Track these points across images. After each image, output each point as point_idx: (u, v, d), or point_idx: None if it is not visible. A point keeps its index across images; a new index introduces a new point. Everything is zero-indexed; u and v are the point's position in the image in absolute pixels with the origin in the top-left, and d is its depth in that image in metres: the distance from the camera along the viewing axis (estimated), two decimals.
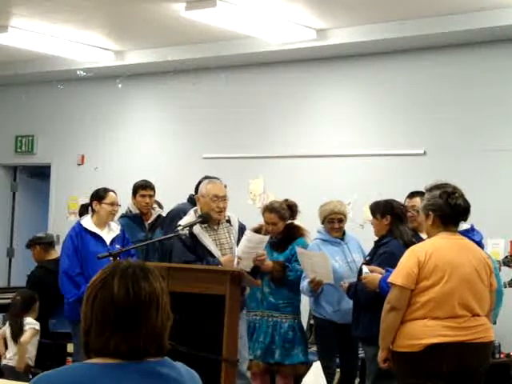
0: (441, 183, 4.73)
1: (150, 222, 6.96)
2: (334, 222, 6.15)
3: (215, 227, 5.63)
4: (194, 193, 6.24)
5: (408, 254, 4.39)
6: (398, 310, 4.28)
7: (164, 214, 6.92)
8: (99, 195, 6.33)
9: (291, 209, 6.39)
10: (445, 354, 4.22)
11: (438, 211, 4.35)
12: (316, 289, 5.97)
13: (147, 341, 2.00)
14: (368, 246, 5.90)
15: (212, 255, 5.55)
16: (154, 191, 7.04)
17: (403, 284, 4.26)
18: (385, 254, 5.45)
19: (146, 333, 2.00)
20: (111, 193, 6.36)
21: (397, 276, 4.33)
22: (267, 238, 5.82)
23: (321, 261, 5.88)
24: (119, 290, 1.99)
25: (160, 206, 7.25)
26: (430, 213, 4.37)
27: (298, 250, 6.02)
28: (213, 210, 5.54)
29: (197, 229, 5.54)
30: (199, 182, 6.17)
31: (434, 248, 4.31)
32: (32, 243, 7.40)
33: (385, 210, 5.57)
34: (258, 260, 5.64)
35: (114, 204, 6.32)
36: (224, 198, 5.61)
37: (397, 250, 5.27)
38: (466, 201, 4.39)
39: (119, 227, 6.39)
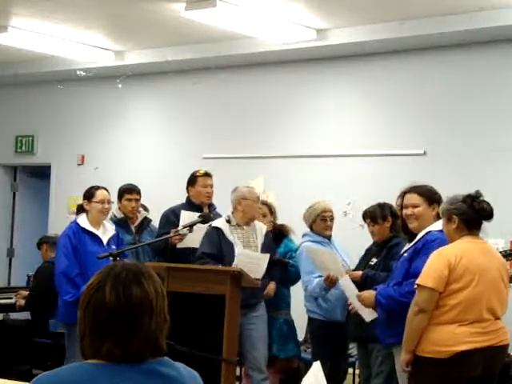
0: (419, 184, 4.76)
1: (135, 225, 6.74)
2: (326, 220, 6.13)
3: (244, 227, 6.00)
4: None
5: (436, 257, 4.29)
6: (426, 312, 4.22)
7: (150, 217, 6.87)
8: (89, 194, 6.13)
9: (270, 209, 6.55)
10: (473, 359, 4.18)
11: (463, 215, 4.31)
12: (332, 285, 5.74)
13: (141, 345, 1.99)
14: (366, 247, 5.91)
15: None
16: (140, 195, 6.84)
17: (433, 286, 4.19)
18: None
19: (139, 337, 1.99)
20: (100, 190, 6.13)
21: (426, 278, 4.23)
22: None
23: (330, 258, 5.74)
24: (110, 295, 1.99)
25: (145, 209, 7.10)
26: (454, 217, 4.32)
27: (307, 248, 5.92)
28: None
29: (223, 225, 5.92)
30: (191, 176, 6.48)
31: (462, 251, 4.26)
32: (41, 242, 7.43)
33: (385, 213, 5.56)
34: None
35: (104, 202, 6.08)
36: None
37: None
38: (489, 204, 4.36)
39: (114, 227, 6.21)
